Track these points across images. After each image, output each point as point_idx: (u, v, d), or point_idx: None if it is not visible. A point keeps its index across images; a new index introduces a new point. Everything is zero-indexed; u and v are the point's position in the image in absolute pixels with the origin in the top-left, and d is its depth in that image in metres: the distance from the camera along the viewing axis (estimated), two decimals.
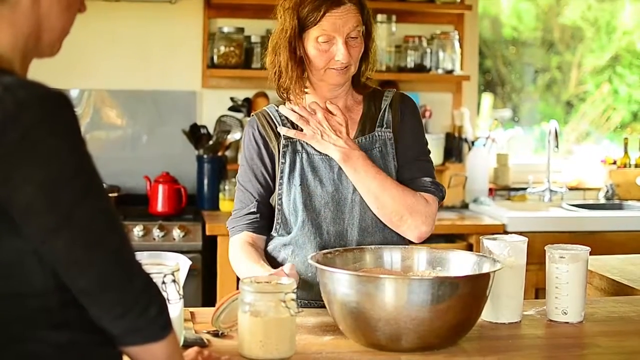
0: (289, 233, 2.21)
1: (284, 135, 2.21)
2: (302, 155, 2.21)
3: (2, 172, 1.22)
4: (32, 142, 1.22)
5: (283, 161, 2.21)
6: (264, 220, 2.24)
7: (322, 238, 2.18)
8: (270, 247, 2.25)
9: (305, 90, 2.20)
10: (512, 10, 5.35)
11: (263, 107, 2.34)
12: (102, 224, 1.27)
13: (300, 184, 2.18)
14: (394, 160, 2.23)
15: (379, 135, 2.23)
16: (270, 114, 2.26)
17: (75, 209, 1.24)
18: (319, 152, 2.19)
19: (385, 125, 2.24)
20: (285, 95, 2.21)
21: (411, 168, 2.23)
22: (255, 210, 2.22)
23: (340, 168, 2.18)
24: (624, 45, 5.35)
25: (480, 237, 2.04)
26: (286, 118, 2.23)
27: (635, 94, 5.37)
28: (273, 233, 2.24)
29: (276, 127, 2.23)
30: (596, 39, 5.37)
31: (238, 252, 2.20)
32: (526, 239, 2.03)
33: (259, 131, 2.24)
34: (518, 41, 5.37)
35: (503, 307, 1.99)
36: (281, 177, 2.21)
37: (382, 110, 2.26)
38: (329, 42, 2.12)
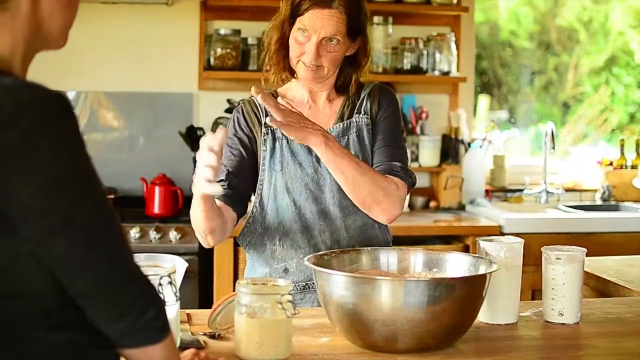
0: (262, 220, 2.27)
1: (265, 123, 2.25)
2: (281, 141, 2.27)
3: (1, 173, 1.22)
4: (31, 144, 1.21)
5: (264, 148, 2.27)
6: (231, 190, 2.23)
7: (307, 217, 2.25)
8: (254, 241, 2.30)
9: (289, 77, 2.29)
10: (510, 14, 5.35)
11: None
12: (100, 226, 1.27)
13: (280, 170, 2.26)
14: (370, 144, 2.29)
15: (356, 121, 2.30)
16: (257, 104, 2.30)
17: (74, 211, 1.24)
18: None
19: (363, 112, 2.31)
20: (267, 72, 2.30)
21: (383, 153, 2.28)
22: (224, 178, 2.23)
23: None
24: (619, 46, 5.36)
25: (477, 239, 2.04)
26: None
27: (632, 94, 5.38)
28: (249, 219, 2.30)
29: (261, 116, 2.29)
30: (592, 41, 5.38)
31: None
32: (522, 240, 2.03)
33: (243, 116, 2.31)
34: (514, 43, 5.37)
35: (499, 308, 1.99)
36: (263, 164, 2.27)
37: (360, 99, 2.32)
38: (306, 37, 2.19)
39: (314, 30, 2.17)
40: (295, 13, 2.20)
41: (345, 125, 2.29)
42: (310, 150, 2.23)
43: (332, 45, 2.19)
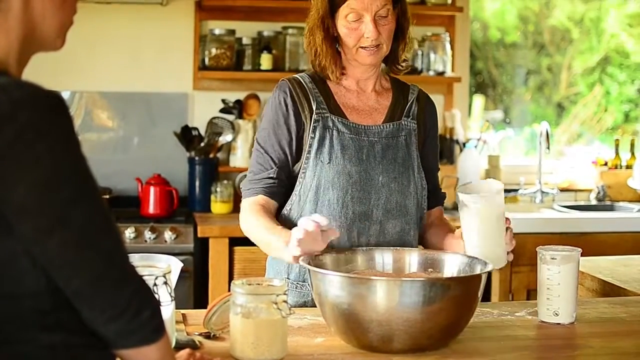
0: (300, 211, 2.20)
1: (315, 109, 2.20)
2: (332, 131, 2.20)
3: None
4: (27, 143, 1.21)
5: (312, 136, 2.20)
6: (281, 187, 2.22)
7: (347, 217, 2.17)
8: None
9: (343, 71, 2.25)
10: (498, 12, 5.36)
11: (281, 87, 2.26)
12: (95, 226, 1.27)
13: (328, 162, 2.18)
14: (417, 150, 2.27)
15: (405, 125, 2.27)
16: (304, 84, 2.25)
17: (69, 210, 1.24)
18: (349, 130, 2.21)
19: (411, 117, 2.29)
20: (324, 74, 2.25)
21: (433, 177, 2.34)
22: (274, 176, 2.20)
23: (369, 149, 2.20)
24: (613, 47, 5.37)
25: (456, 189, 2.04)
26: (318, 91, 2.24)
27: (626, 92, 5.38)
28: (287, 207, 2.23)
29: (311, 99, 2.22)
30: (585, 41, 5.39)
31: (253, 218, 2.16)
32: (502, 186, 2.02)
33: (291, 97, 2.23)
34: (509, 43, 5.38)
35: (488, 257, 1.93)
36: (308, 152, 2.20)
37: (409, 102, 2.30)
38: (358, 21, 2.15)
39: (364, 10, 2.13)
40: (336, 4, 2.16)
41: (395, 126, 2.25)
42: (360, 147, 2.20)
43: (385, 19, 2.16)
